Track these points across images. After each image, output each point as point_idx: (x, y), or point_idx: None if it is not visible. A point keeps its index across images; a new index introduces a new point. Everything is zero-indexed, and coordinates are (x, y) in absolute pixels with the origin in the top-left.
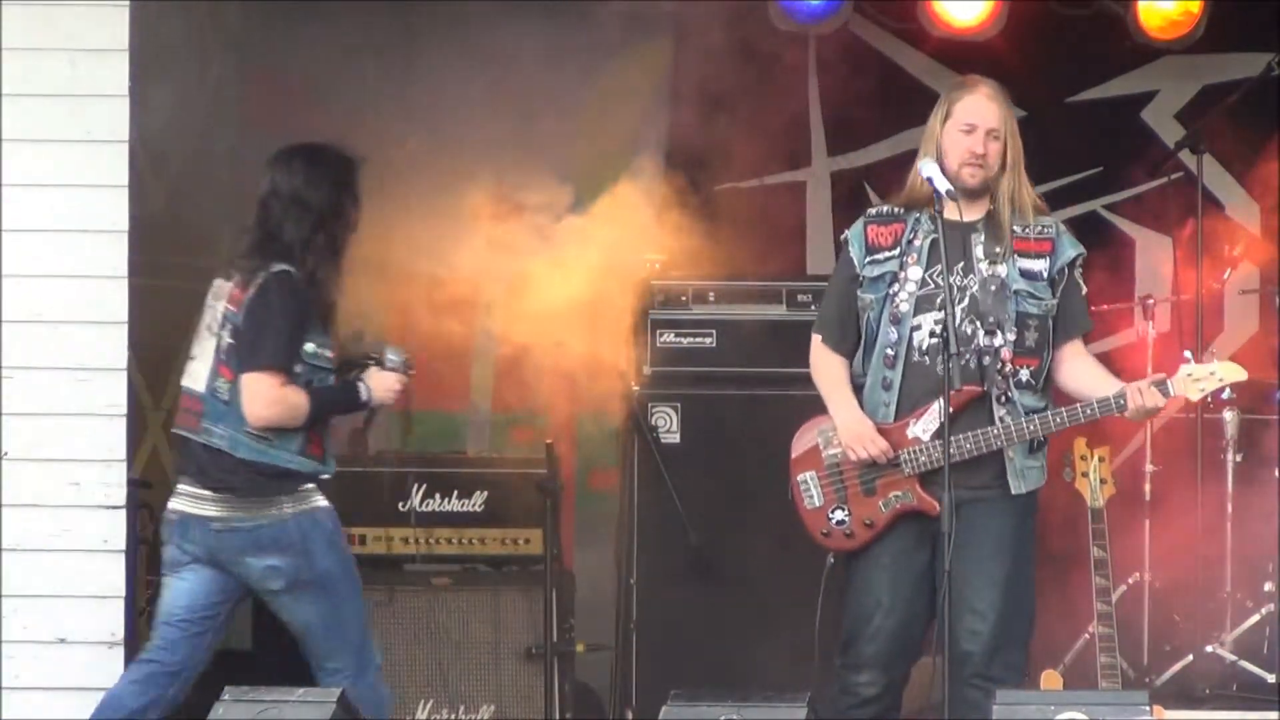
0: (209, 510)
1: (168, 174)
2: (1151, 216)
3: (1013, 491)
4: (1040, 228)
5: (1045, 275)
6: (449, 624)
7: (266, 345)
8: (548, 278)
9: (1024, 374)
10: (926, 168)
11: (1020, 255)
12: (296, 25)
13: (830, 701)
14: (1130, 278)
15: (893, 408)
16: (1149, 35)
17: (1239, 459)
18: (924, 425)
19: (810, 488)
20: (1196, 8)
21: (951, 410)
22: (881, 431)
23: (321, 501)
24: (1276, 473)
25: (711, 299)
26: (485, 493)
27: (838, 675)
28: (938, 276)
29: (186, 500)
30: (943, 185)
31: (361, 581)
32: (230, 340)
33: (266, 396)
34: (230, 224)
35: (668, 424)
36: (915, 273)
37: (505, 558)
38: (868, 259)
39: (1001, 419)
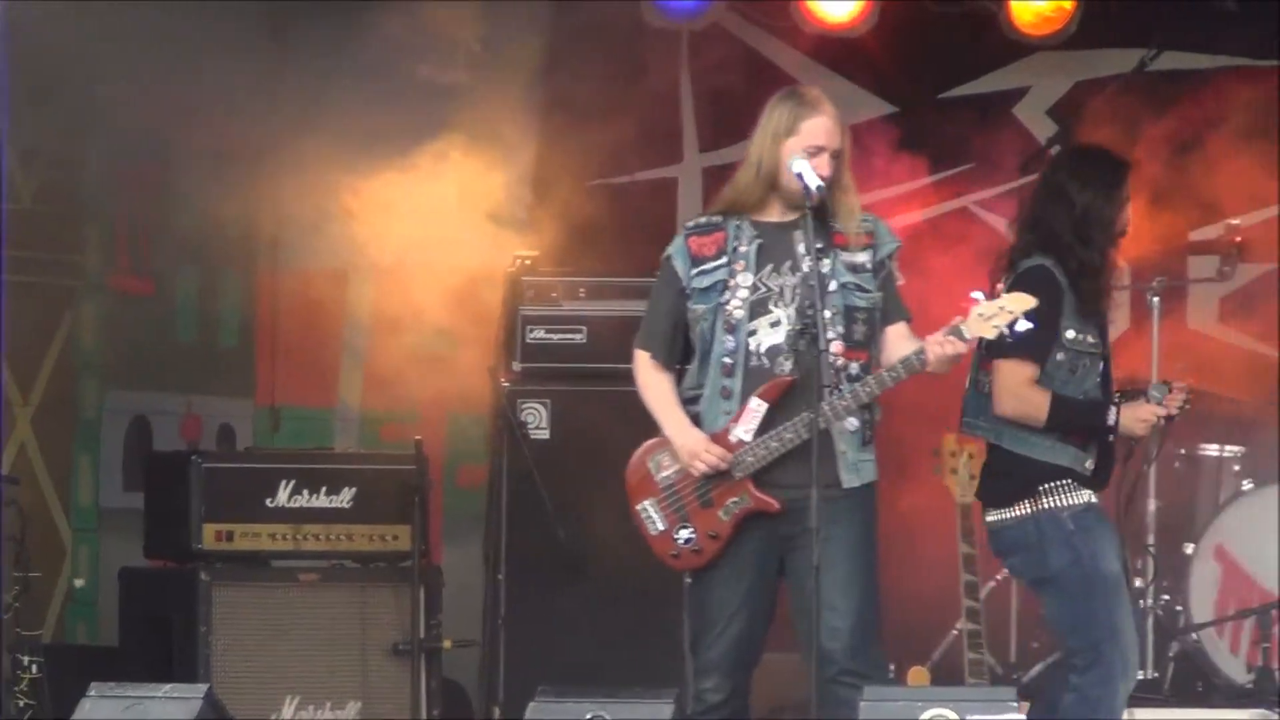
0: None
1: (35, 171)
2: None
3: (844, 485)
4: (860, 223)
5: (869, 267)
6: (316, 620)
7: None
8: (417, 274)
9: (854, 367)
10: (796, 164)
11: (842, 250)
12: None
13: (677, 706)
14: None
15: (734, 415)
16: (1022, 31)
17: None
18: (744, 426)
19: (651, 513)
20: (1070, 4)
21: (770, 404)
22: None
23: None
24: (1146, 469)
25: (582, 295)
26: (353, 489)
27: (689, 682)
28: (768, 279)
29: None
30: (813, 182)
31: (228, 578)
32: None
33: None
34: (97, 222)
35: (537, 420)
36: (745, 279)
37: (373, 554)
38: (694, 271)
39: (826, 401)
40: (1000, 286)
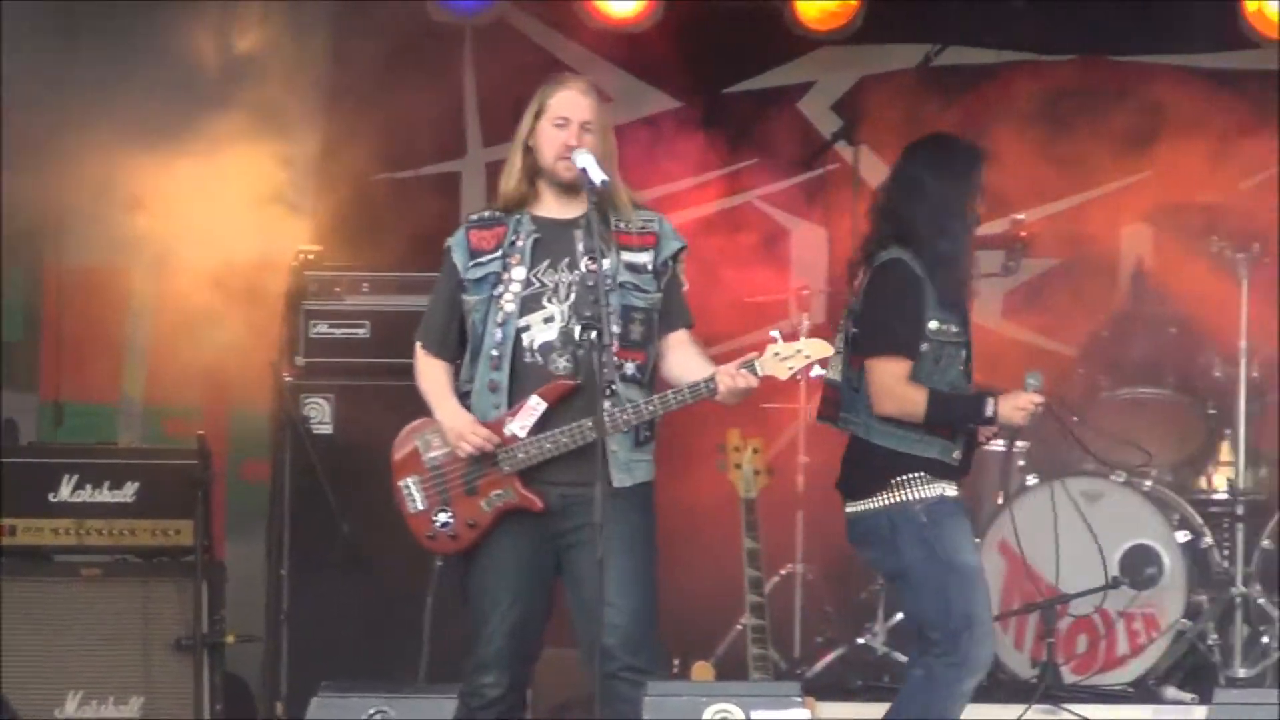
0: None
1: None
2: (808, 207)
3: (615, 484)
4: (642, 221)
5: (650, 268)
6: (99, 615)
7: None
8: (200, 268)
9: (629, 367)
10: (580, 158)
11: (624, 249)
12: None
13: (461, 702)
14: (786, 269)
15: (502, 409)
16: (806, 27)
17: None
18: (520, 422)
19: (412, 492)
20: (855, 1)
21: (549, 405)
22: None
23: None
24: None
25: (365, 290)
26: (136, 484)
27: (467, 677)
28: (543, 275)
29: None
30: (598, 176)
31: (10, 573)
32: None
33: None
34: None
35: (320, 415)
36: (519, 273)
37: (156, 549)
38: (471, 263)
39: (607, 411)
40: (802, 326)
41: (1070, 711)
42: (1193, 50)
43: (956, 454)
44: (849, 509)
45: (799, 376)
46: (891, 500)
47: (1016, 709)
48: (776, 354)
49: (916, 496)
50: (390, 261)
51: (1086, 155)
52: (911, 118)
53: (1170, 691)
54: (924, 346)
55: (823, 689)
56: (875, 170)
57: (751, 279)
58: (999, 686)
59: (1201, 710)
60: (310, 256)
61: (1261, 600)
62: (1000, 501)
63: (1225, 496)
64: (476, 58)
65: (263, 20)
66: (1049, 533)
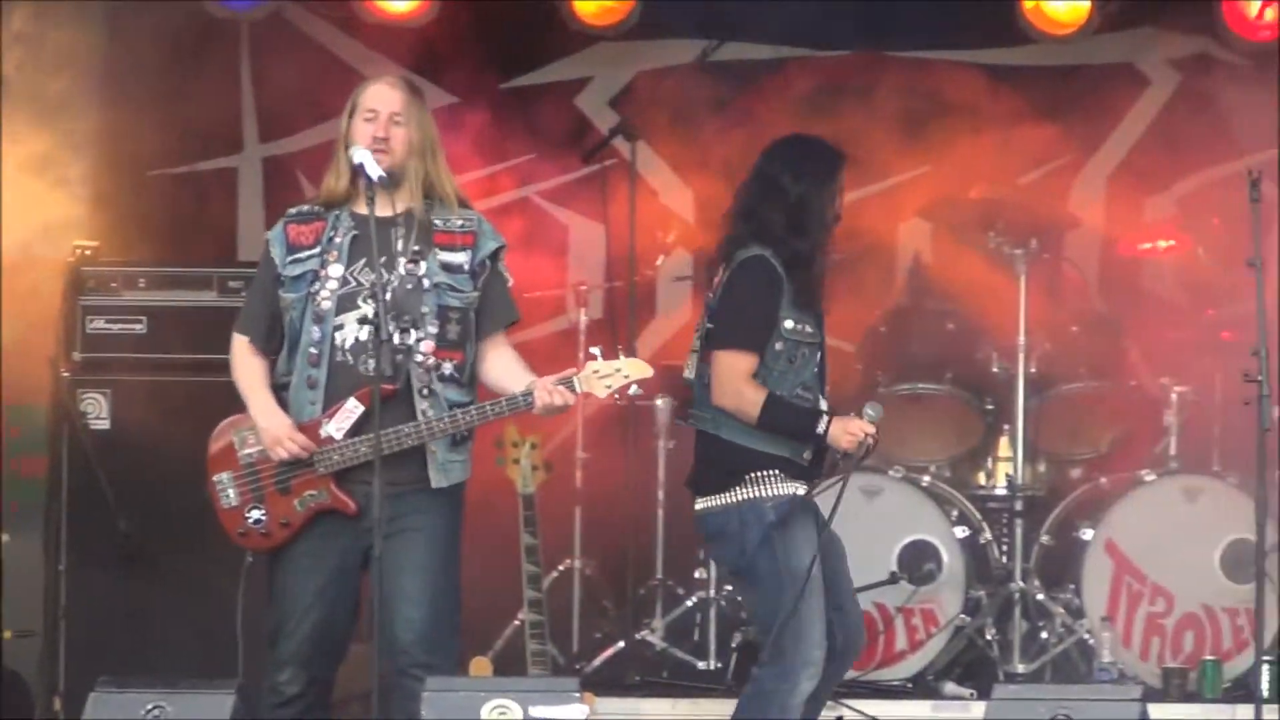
0: None
1: None
2: (585, 203)
3: (433, 485)
4: (462, 220)
5: (467, 268)
6: None
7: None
8: None
9: (447, 368)
10: (358, 154)
11: (441, 249)
12: None
13: (260, 700)
14: (563, 264)
15: (319, 407)
16: (584, 22)
17: (670, 446)
18: (337, 424)
19: (226, 487)
20: None
21: (365, 408)
22: (299, 429)
23: None
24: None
25: (142, 285)
26: None
27: (267, 674)
28: (359, 274)
29: None
30: (375, 172)
31: None
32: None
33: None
34: None
35: (97, 410)
36: (336, 270)
37: None
38: (289, 258)
39: (424, 413)
40: (618, 355)
41: (849, 707)
42: (971, 45)
43: (807, 455)
44: (699, 505)
45: (617, 396)
46: (743, 496)
47: None
48: (596, 372)
49: (769, 494)
50: (167, 257)
51: (864, 150)
52: (689, 113)
53: (949, 687)
54: (778, 345)
55: (601, 684)
56: (653, 166)
57: (529, 274)
58: None
59: (980, 706)
60: (87, 251)
61: (1040, 596)
62: None
63: (1004, 492)
64: (254, 54)
65: (38, 14)
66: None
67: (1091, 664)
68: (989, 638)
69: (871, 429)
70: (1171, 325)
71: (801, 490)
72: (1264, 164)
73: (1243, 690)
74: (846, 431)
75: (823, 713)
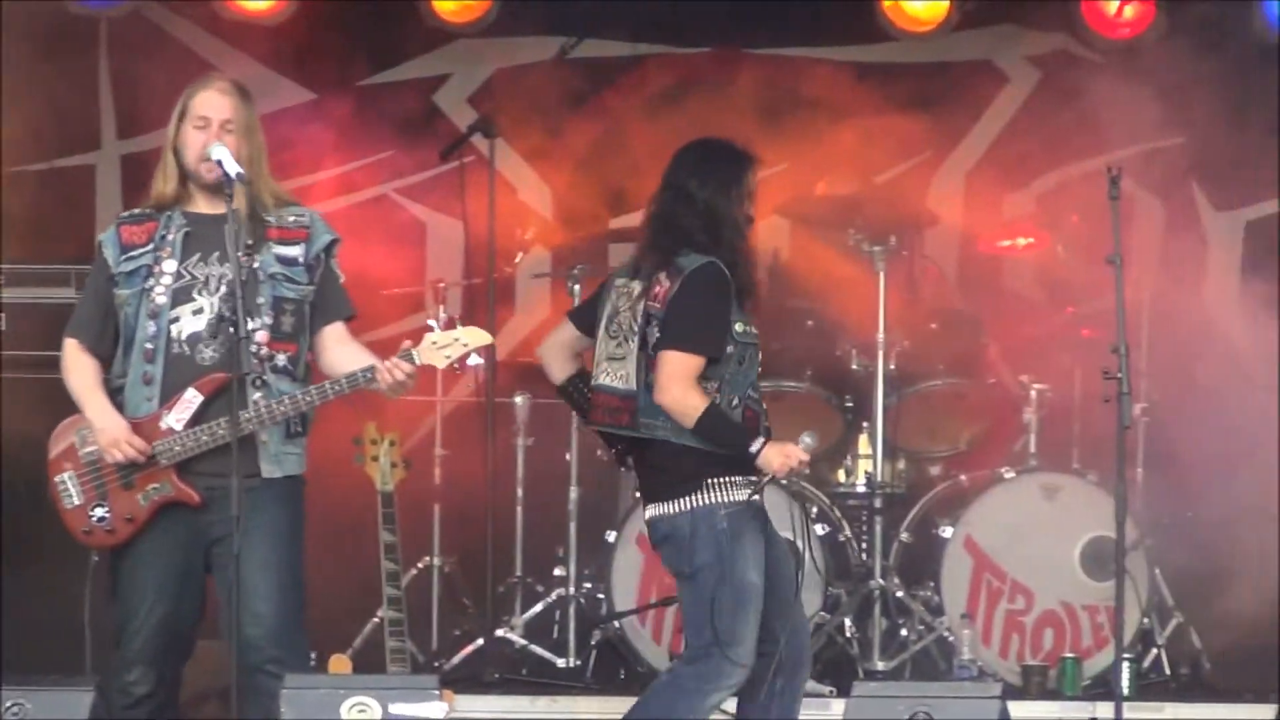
0: None
1: None
2: (443, 199)
3: (264, 475)
4: (294, 217)
5: (302, 261)
6: None
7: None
8: None
9: (281, 359)
10: (216, 150)
11: (276, 243)
12: None
13: (109, 701)
14: (421, 261)
15: (155, 402)
16: (442, 19)
17: (530, 443)
18: (177, 415)
19: (69, 487)
20: None
21: (205, 397)
22: (136, 426)
23: None
24: (567, 455)
25: (0, 282)
26: None
27: (114, 674)
28: (194, 268)
29: None
30: (233, 169)
31: None
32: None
33: None
34: None
35: None
36: (170, 265)
37: None
38: (123, 257)
39: (256, 403)
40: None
41: None
42: (830, 43)
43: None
44: (651, 511)
45: (456, 365)
46: (699, 503)
47: None
48: (434, 343)
49: (724, 500)
50: (25, 254)
51: None
52: (548, 110)
53: (809, 684)
54: (730, 349)
55: (460, 682)
56: (512, 163)
57: (387, 271)
58: (636, 679)
59: (840, 703)
60: None
61: (900, 593)
62: (638, 495)
63: (864, 489)
64: (113, 51)
65: None
66: None
67: (951, 661)
68: (849, 635)
69: (806, 459)
70: (1031, 322)
71: (756, 498)
72: (1123, 161)
73: (1102, 688)
74: (782, 455)
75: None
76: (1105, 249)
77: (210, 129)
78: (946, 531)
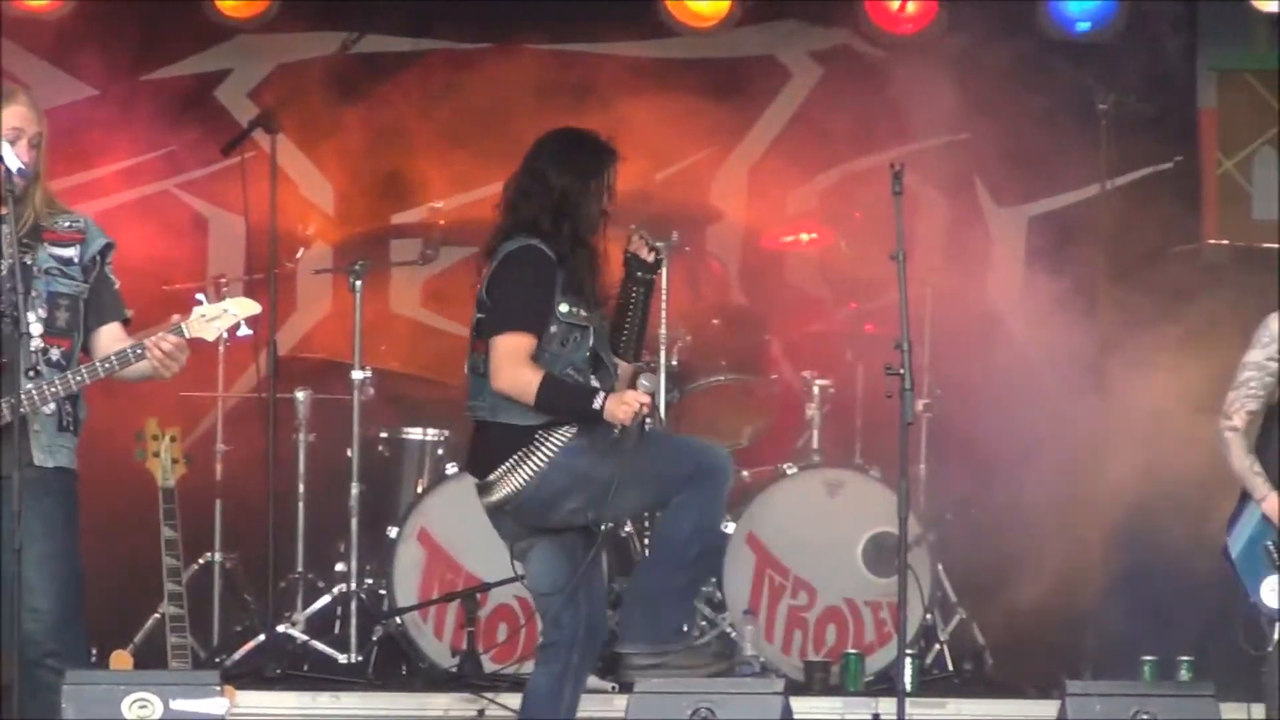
0: None
1: None
2: (225, 195)
3: (37, 463)
4: (69, 221)
5: (77, 262)
6: None
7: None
8: None
9: (54, 353)
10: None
11: (51, 244)
12: None
13: None
14: (203, 256)
15: None
16: (223, 14)
17: (311, 439)
18: None
19: None
20: None
21: None
22: None
23: None
24: (349, 453)
25: None
26: None
27: None
28: None
29: None
30: (14, 164)
31: None
32: None
33: None
34: None
35: None
36: None
37: None
38: None
39: (29, 391)
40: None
41: (490, 700)
42: (613, 38)
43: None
44: (485, 497)
45: (226, 337)
46: (535, 465)
47: (437, 698)
48: (203, 315)
49: (556, 448)
50: None
51: (502, 143)
52: (329, 105)
53: (591, 680)
54: (554, 329)
55: (242, 677)
56: (293, 158)
57: (169, 267)
58: (418, 675)
59: (622, 700)
60: None
61: None
62: (420, 490)
63: None
64: None
65: None
66: (468, 521)
67: (733, 657)
68: None
69: (647, 399)
70: (814, 318)
71: None
72: (907, 156)
73: (885, 684)
74: (622, 403)
75: (463, 707)
76: (888, 245)
77: (22, 142)
78: (729, 527)
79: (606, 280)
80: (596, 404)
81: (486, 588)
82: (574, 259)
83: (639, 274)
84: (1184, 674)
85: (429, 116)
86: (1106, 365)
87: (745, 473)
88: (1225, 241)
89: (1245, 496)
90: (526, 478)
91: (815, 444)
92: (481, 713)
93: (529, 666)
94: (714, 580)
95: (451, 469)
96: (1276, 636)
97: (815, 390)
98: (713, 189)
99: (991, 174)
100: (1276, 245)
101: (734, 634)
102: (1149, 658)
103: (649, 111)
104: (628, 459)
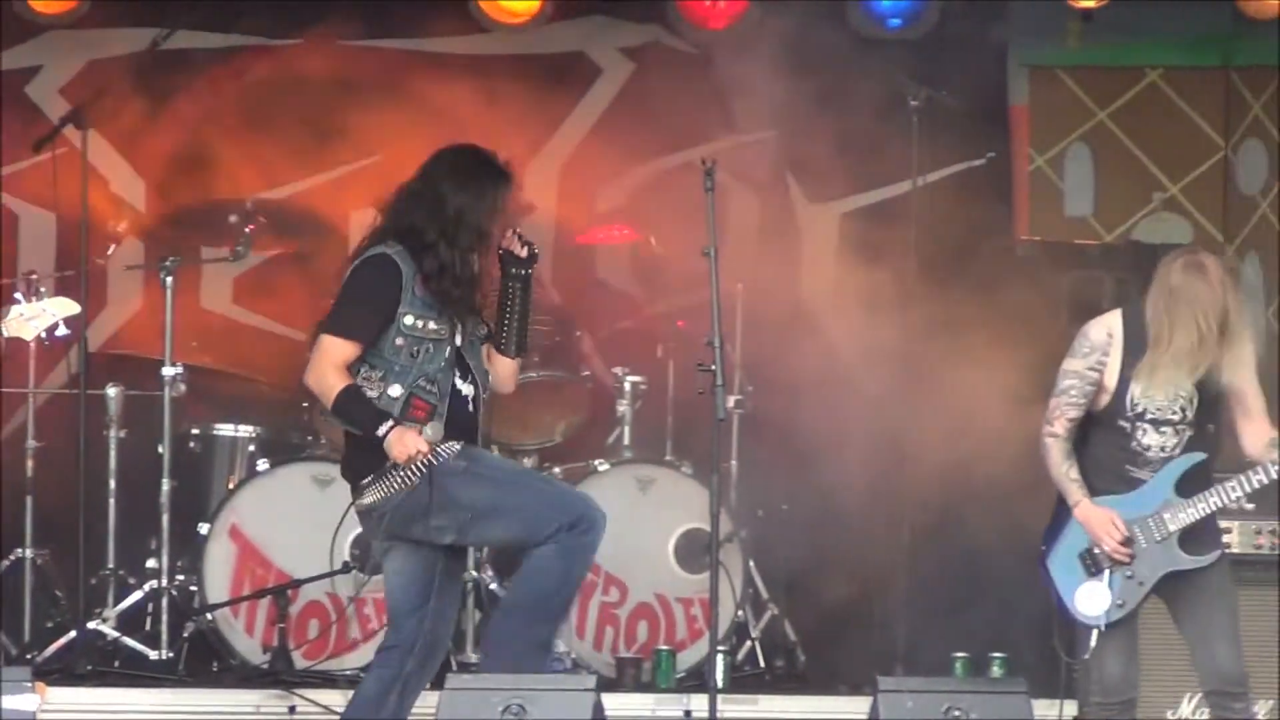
0: None
1: None
2: (35, 191)
3: None
4: None
5: None
6: None
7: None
8: None
9: None
10: None
11: None
12: None
13: None
14: (13, 253)
15: None
16: (35, 11)
17: (123, 435)
18: None
19: None
20: None
21: None
22: None
23: None
24: (160, 449)
25: None
26: None
27: None
28: None
29: None
30: None
31: None
32: None
33: None
34: None
35: None
36: None
37: None
38: None
39: None
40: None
41: (301, 696)
42: (424, 34)
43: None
44: (357, 499)
45: (44, 336)
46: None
47: (248, 694)
48: (21, 314)
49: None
50: None
51: (315, 139)
52: (141, 102)
53: None
54: (399, 340)
55: (53, 674)
56: (104, 155)
57: None
58: (229, 671)
59: (434, 695)
60: None
61: (493, 585)
62: (231, 486)
63: None
64: None
65: None
66: (281, 517)
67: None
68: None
69: (425, 448)
70: (625, 314)
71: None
72: (718, 153)
73: (697, 680)
74: (401, 443)
75: (274, 703)
76: (700, 241)
77: None
78: None
79: (485, 294)
80: (381, 431)
81: (297, 584)
82: (441, 274)
83: (514, 270)
84: (996, 670)
85: (240, 113)
86: (918, 362)
87: (556, 469)
88: (1038, 238)
89: (1063, 504)
90: (395, 489)
91: (627, 440)
92: (292, 709)
93: (340, 663)
94: None
95: (263, 465)
96: (1092, 644)
97: (627, 386)
98: (525, 184)
99: (804, 170)
100: (1088, 241)
101: None
102: (960, 654)
103: (460, 106)
104: (503, 491)
